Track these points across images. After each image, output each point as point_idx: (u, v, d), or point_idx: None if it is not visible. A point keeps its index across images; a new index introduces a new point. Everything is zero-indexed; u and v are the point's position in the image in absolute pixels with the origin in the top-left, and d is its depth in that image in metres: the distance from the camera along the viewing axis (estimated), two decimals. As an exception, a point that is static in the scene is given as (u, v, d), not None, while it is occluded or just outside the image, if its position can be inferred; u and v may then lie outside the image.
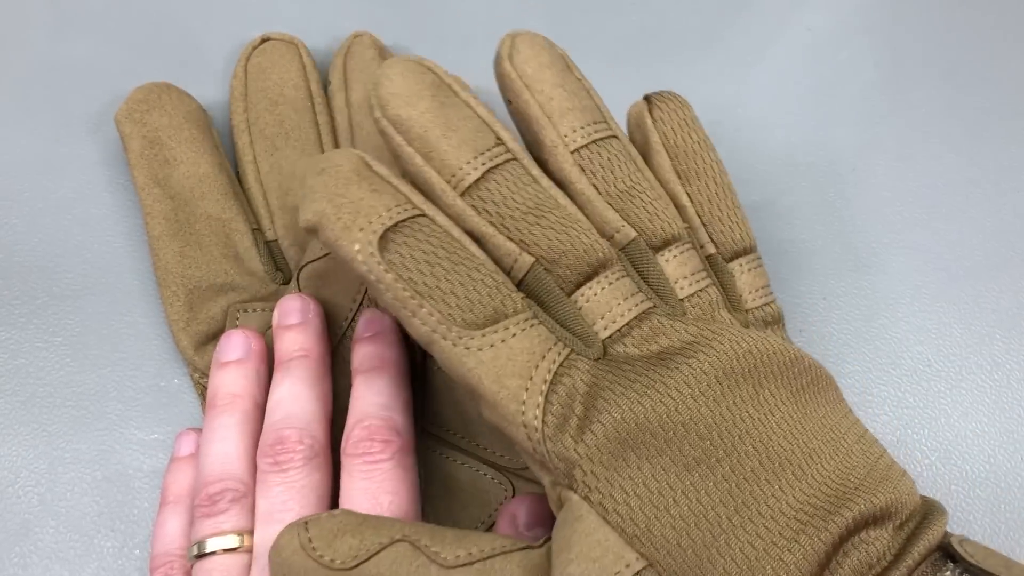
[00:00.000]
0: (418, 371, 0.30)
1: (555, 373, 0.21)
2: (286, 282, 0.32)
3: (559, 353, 0.22)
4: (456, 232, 0.22)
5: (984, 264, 0.36)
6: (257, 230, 0.33)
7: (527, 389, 0.21)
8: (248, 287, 0.32)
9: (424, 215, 0.22)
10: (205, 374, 0.30)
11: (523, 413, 0.21)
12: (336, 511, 0.23)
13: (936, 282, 0.35)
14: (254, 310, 0.31)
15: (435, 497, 0.29)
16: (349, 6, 0.39)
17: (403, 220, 0.22)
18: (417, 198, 0.23)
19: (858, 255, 0.36)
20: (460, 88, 0.24)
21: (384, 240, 0.22)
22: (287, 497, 0.25)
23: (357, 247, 0.21)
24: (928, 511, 0.22)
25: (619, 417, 0.21)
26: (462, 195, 0.23)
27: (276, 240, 0.33)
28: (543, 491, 0.24)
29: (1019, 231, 0.36)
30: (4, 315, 0.32)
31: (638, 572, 0.20)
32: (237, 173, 0.35)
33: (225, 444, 0.27)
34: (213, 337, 0.31)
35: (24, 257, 0.33)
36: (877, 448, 0.23)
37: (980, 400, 0.33)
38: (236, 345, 0.29)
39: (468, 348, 0.21)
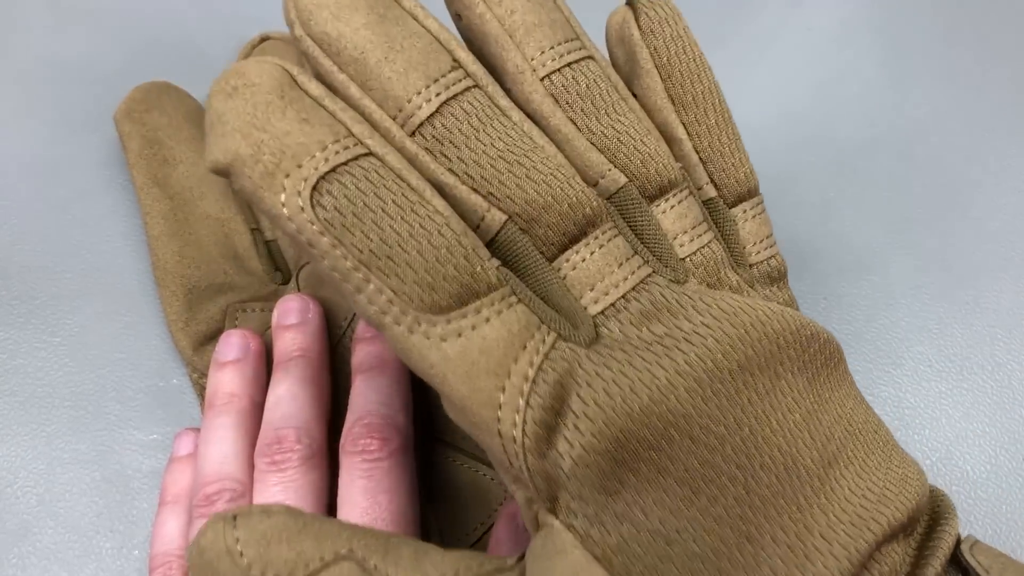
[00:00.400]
0: (418, 371, 0.30)
1: (538, 368, 0.17)
2: (285, 282, 0.32)
3: (543, 341, 0.18)
4: (414, 179, 0.18)
5: (985, 264, 0.35)
6: (256, 230, 0.33)
7: (504, 390, 0.17)
8: (247, 287, 0.32)
9: (370, 154, 0.17)
10: (204, 374, 0.30)
11: (499, 421, 0.17)
12: (274, 506, 0.20)
13: (937, 282, 0.35)
14: (253, 310, 0.31)
15: (435, 498, 0.29)
16: (349, 6, 0.39)
17: (343, 163, 0.17)
18: (361, 128, 0.18)
19: (859, 255, 0.36)
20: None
21: (318, 191, 0.17)
22: (284, 497, 0.25)
23: (282, 199, 0.17)
24: (935, 509, 0.20)
25: (616, 431, 0.17)
26: (412, 135, 0.19)
27: (275, 240, 0.33)
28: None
29: (1020, 231, 0.36)
30: (3, 315, 0.32)
31: None
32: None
33: (223, 444, 0.27)
34: (212, 337, 0.31)
35: (23, 257, 0.33)
36: (886, 436, 0.21)
37: (981, 400, 0.33)
38: (235, 345, 0.29)
39: (429, 338, 0.17)
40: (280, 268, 0.33)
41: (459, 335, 0.17)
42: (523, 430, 0.17)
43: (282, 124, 0.17)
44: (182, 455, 0.29)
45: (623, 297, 0.19)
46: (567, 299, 0.19)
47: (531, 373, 0.17)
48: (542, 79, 0.20)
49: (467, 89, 0.19)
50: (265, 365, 0.29)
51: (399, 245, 0.17)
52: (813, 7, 0.41)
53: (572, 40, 0.21)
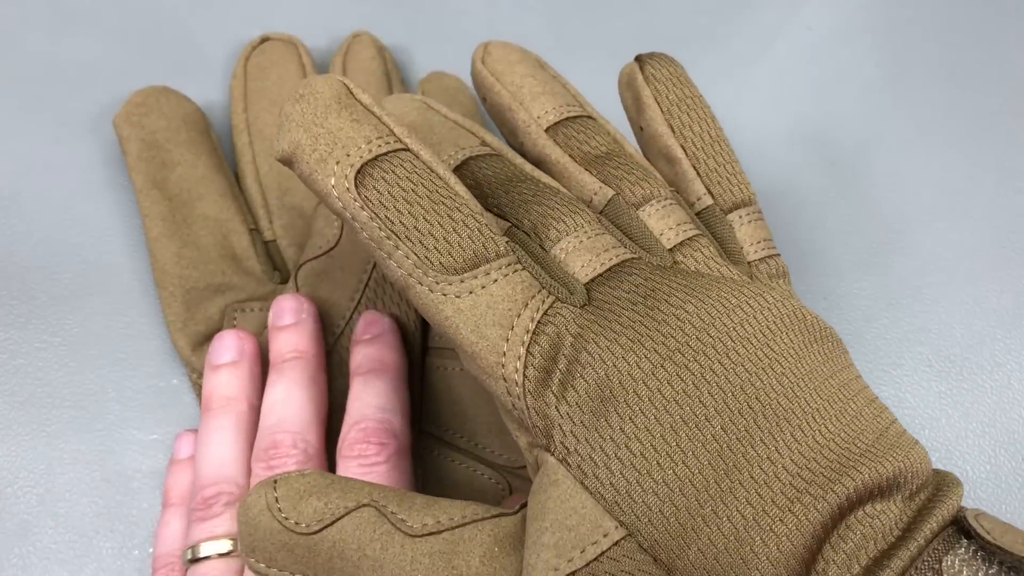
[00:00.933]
0: (417, 370, 0.30)
1: (538, 323, 0.20)
2: (284, 281, 0.32)
3: (543, 301, 0.20)
4: (441, 169, 0.21)
5: (985, 264, 0.35)
6: (255, 230, 0.33)
7: (508, 340, 0.20)
8: (246, 287, 0.32)
9: (407, 149, 0.21)
10: (203, 375, 0.30)
11: (503, 366, 0.20)
12: (307, 470, 0.22)
13: (937, 282, 0.35)
14: (252, 310, 0.31)
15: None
16: (349, 6, 0.39)
17: (384, 154, 0.21)
18: (400, 130, 0.21)
19: (859, 255, 0.36)
20: (448, 111, 0.26)
21: (362, 175, 0.20)
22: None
23: (332, 181, 0.20)
24: (941, 482, 0.20)
25: (603, 374, 0.20)
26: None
27: (275, 240, 0.33)
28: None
29: (1020, 231, 0.36)
30: (3, 315, 0.32)
31: (617, 542, 0.19)
32: (236, 173, 0.35)
33: (220, 447, 0.27)
34: (211, 337, 0.30)
35: (23, 257, 0.33)
36: (888, 415, 0.22)
37: (981, 400, 0.33)
38: (229, 347, 0.29)
39: (445, 295, 0.20)
40: (279, 268, 0.33)
41: (470, 292, 0.20)
42: (524, 374, 0.20)
43: (336, 122, 0.21)
44: (183, 457, 0.29)
45: (610, 270, 0.22)
46: (562, 273, 0.22)
47: (532, 326, 0.20)
48: (546, 130, 0.25)
49: (488, 154, 0.24)
50: (261, 366, 0.29)
51: (424, 218, 0.20)
52: (813, 7, 0.41)
53: (572, 105, 0.25)
